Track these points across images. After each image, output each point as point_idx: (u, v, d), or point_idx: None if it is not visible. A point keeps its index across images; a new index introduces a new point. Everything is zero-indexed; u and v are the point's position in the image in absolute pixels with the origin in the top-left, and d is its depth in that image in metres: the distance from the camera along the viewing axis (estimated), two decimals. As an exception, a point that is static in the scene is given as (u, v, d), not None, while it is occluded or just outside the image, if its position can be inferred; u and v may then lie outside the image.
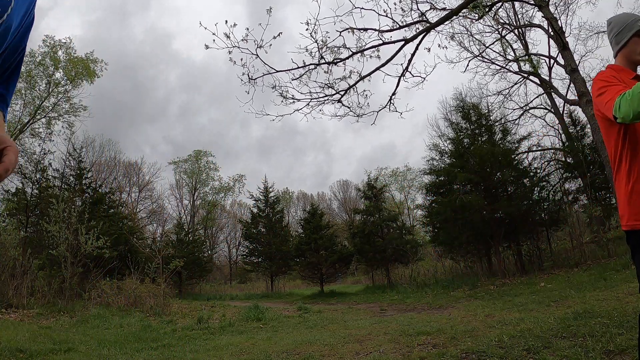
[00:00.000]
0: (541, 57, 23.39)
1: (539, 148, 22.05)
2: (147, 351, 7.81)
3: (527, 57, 22.00)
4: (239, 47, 10.30)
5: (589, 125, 15.38)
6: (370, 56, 12.11)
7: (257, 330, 10.60)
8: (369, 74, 12.29)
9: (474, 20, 16.75)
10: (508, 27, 22.85)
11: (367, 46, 11.93)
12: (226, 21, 9.81)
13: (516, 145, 18.78)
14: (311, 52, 11.54)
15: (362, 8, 11.63)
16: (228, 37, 10.02)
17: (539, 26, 19.03)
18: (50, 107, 29.06)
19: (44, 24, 59.13)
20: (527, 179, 18.44)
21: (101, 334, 10.02)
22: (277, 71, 11.38)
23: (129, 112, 77.17)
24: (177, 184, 51.27)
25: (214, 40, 9.82)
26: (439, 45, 18.55)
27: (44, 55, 28.40)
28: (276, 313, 14.02)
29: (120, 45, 74.23)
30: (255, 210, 33.79)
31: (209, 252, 48.37)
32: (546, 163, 20.80)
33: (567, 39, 14.52)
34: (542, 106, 26.57)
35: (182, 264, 17.35)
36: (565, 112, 23.61)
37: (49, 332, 9.65)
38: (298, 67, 11.53)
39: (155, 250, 20.22)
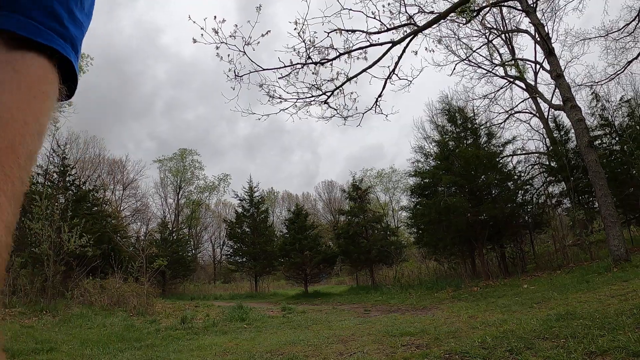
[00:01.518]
0: (527, 62, 23.61)
1: (524, 152, 22.29)
2: (130, 351, 7.76)
3: (513, 62, 22.17)
4: (226, 44, 10.28)
5: (573, 130, 15.53)
6: (358, 57, 12.15)
7: (241, 330, 10.58)
8: (356, 76, 12.32)
9: (461, 25, 16.90)
10: (495, 31, 23.05)
11: (354, 47, 11.97)
12: (215, 16, 9.73)
13: (501, 148, 18.93)
14: (299, 51, 11.54)
15: (351, 9, 11.66)
16: (216, 32, 10.00)
17: (526, 32, 19.23)
18: (34, 102, 28.66)
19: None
20: (512, 182, 18.59)
21: (84, 333, 9.94)
22: (264, 69, 11.37)
23: (114, 107, 76.19)
24: (161, 182, 50.93)
25: (202, 34, 9.78)
26: (426, 49, 18.64)
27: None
28: (260, 313, 14.00)
29: (107, 38, 73.29)
30: (239, 209, 33.69)
31: (193, 251, 48.08)
32: (530, 167, 21.03)
33: (553, 45, 14.67)
34: (527, 110, 26.87)
35: (165, 263, 17.26)
36: (549, 116, 23.85)
37: (31, 332, 9.55)
38: (285, 66, 11.53)
39: (138, 249, 20.07)
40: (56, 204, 17.18)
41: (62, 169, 23.06)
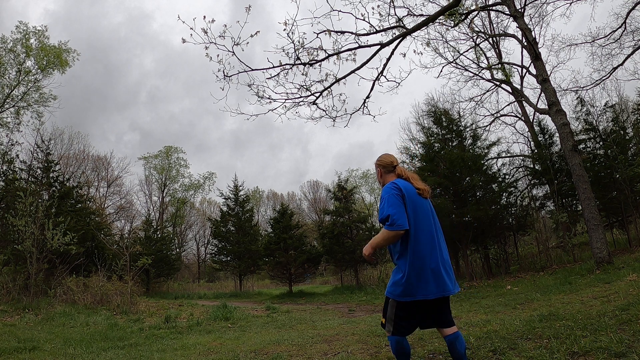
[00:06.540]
0: (514, 66, 23.83)
1: (508, 154, 22.45)
2: (113, 350, 7.72)
3: (500, 65, 22.35)
4: (215, 44, 10.23)
5: (557, 134, 15.69)
6: (347, 59, 12.14)
7: (225, 329, 10.56)
8: (345, 77, 12.30)
9: (449, 28, 16.99)
10: (483, 35, 23.21)
11: (343, 49, 11.96)
12: (204, 16, 9.70)
13: (486, 151, 19.05)
14: (288, 52, 11.51)
15: (340, 11, 11.66)
16: (205, 32, 9.95)
17: (513, 36, 19.35)
18: (20, 97, 28.38)
19: None
20: (496, 184, 18.72)
21: (67, 332, 9.86)
22: (253, 69, 11.31)
23: (98, 97, 74.44)
24: (146, 179, 50.55)
25: (191, 35, 9.72)
26: (415, 51, 18.66)
27: (16, 42, 27.71)
28: (244, 312, 13.98)
29: (94, 23, 71.71)
30: (224, 208, 33.58)
31: (178, 250, 47.86)
32: (515, 169, 21.17)
33: (540, 50, 14.80)
34: (512, 114, 27.06)
35: (150, 261, 17.11)
36: (535, 120, 24.06)
37: (13, 330, 9.46)
38: (274, 67, 11.49)
39: (122, 247, 19.90)
40: (40, 200, 17.01)
41: (46, 165, 22.75)
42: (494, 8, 17.01)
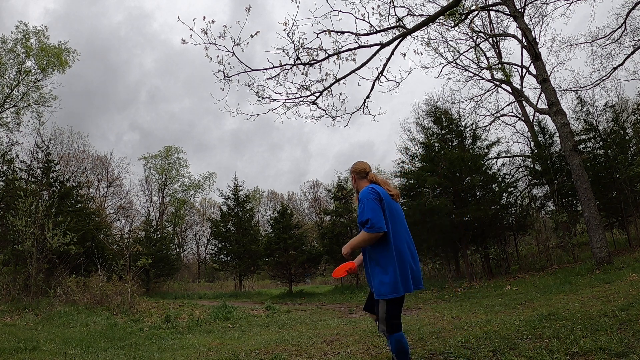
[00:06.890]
0: (514, 66, 23.79)
1: (508, 154, 22.42)
2: (113, 350, 7.71)
3: (500, 65, 22.33)
4: (215, 44, 10.23)
5: (557, 134, 15.68)
6: (347, 59, 12.14)
7: (225, 329, 10.55)
8: (345, 77, 12.31)
9: (449, 28, 16.99)
10: (483, 35, 23.20)
11: (343, 49, 11.95)
12: (204, 17, 9.70)
13: (486, 151, 19.03)
14: (288, 52, 11.52)
15: (340, 11, 11.66)
16: (205, 33, 9.95)
17: (513, 36, 19.34)
18: (20, 97, 28.38)
19: None
20: (496, 184, 18.70)
21: (67, 332, 9.84)
22: (253, 70, 11.32)
23: (98, 97, 74.05)
24: (146, 179, 50.49)
25: (191, 35, 9.72)
26: (415, 51, 18.64)
27: (16, 42, 27.71)
28: (244, 312, 13.97)
29: (94, 22, 71.44)
30: (224, 208, 33.55)
31: (178, 250, 47.84)
32: (515, 169, 21.13)
33: (540, 50, 14.79)
34: (512, 114, 27.03)
35: (150, 261, 17.09)
36: (535, 120, 24.04)
37: (13, 330, 9.44)
38: (274, 67, 11.50)
39: (122, 247, 19.90)
40: (40, 200, 16.99)
41: (46, 165, 22.75)
42: (494, 8, 17.02)
